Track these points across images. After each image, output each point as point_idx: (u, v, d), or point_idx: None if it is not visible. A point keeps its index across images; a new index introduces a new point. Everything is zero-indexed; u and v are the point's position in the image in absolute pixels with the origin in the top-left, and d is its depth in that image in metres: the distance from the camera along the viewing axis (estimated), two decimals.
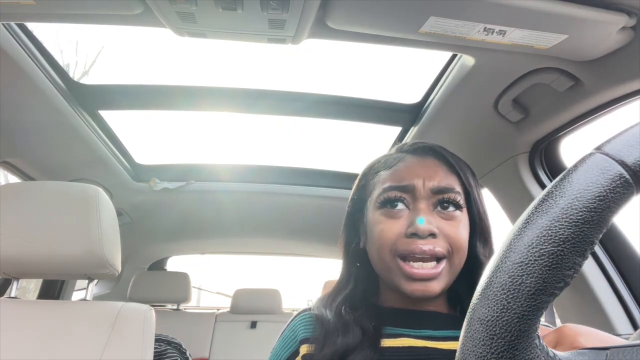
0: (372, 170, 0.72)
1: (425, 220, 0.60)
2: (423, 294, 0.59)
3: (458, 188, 0.65)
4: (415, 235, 0.60)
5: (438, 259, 0.60)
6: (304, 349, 0.64)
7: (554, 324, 1.31)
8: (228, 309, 2.51)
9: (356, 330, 0.61)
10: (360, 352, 0.59)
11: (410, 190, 0.63)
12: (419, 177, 0.64)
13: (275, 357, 0.68)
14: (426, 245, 0.59)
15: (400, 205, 0.63)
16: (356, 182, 0.75)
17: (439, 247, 0.60)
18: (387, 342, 0.62)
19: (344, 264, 0.73)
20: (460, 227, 0.63)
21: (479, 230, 0.66)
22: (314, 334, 0.65)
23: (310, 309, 0.71)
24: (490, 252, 0.67)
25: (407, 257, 0.60)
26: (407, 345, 0.62)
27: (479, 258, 0.65)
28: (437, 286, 0.60)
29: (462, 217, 0.64)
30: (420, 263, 0.60)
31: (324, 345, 0.61)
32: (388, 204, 0.64)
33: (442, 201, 0.63)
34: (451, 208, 0.63)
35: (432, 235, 0.60)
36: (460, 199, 0.64)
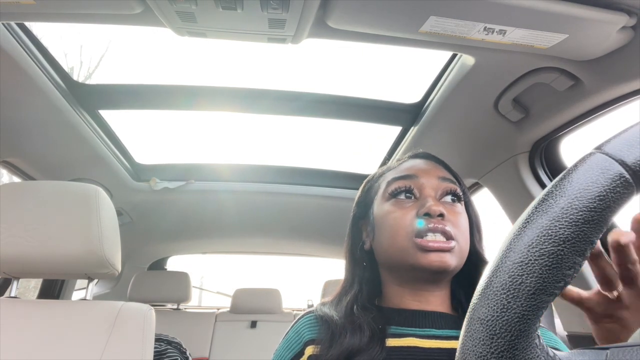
0: (376, 175, 0.78)
1: (435, 203, 0.65)
2: (440, 264, 0.62)
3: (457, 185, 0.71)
4: (427, 215, 0.64)
5: (448, 238, 0.64)
6: (309, 350, 0.65)
7: (553, 324, 1.31)
8: (228, 309, 2.51)
9: (365, 330, 0.62)
10: (367, 352, 0.60)
11: (415, 180, 0.69)
12: (423, 171, 0.70)
13: (279, 358, 0.68)
14: (438, 224, 0.64)
15: (408, 195, 0.68)
16: (361, 187, 0.80)
17: (448, 227, 0.64)
18: (392, 342, 0.63)
19: (348, 266, 0.75)
20: (462, 217, 0.68)
21: (475, 225, 0.72)
22: (319, 335, 0.66)
23: (314, 310, 0.71)
24: (483, 248, 0.73)
25: (422, 234, 0.64)
26: (412, 344, 0.62)
27: (478, 252, 0.70)
28: (451, 260, 0.63)
29: (462, 210, 0.70)
30: (434, 235, 0.63)
31: (330, 345, 0.62)
32: (397, 194, 0.69)
33: (446, 192, 0.69)
34: (455, 199, 0.69)
35: (441, 215, 0.64)
36: (460, 192, 0.70)
